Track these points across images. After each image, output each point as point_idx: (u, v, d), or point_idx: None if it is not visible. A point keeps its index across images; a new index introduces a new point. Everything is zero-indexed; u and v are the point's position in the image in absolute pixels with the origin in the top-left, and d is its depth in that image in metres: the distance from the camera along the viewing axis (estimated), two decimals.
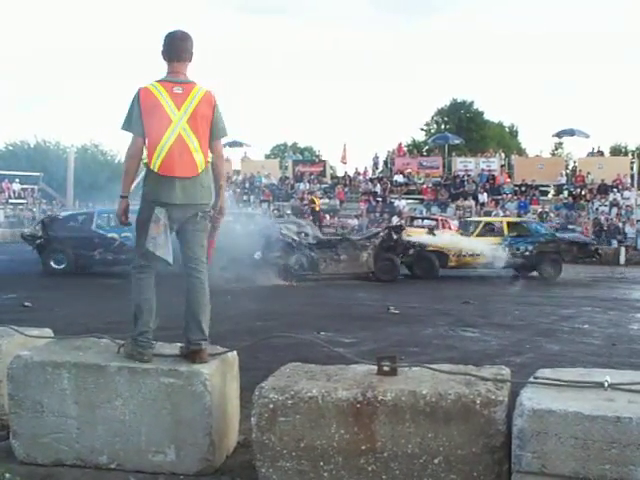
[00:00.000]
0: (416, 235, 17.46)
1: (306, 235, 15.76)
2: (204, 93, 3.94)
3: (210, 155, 4.00)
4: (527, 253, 17.24)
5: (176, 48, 3.95)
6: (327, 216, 29.83)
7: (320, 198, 31.14)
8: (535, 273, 17.45)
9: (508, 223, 18.47)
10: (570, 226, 27.14)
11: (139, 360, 3.69)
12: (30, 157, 45.27)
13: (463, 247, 17.01)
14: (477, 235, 17.58)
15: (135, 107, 3.86)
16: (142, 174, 4.04)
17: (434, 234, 17.64)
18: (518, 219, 22.06)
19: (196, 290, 3.93)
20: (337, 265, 15.68)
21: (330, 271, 15.65)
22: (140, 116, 3.85)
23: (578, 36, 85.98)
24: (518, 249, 17.21)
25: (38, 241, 16.28)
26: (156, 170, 3.85)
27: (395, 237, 16.30)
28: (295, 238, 15.40)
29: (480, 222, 18.72)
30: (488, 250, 16.85)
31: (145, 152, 3.91)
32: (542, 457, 2.75)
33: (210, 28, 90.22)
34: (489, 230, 18.10)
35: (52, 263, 16.07)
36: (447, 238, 17.46)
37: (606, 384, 2.96)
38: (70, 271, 15.65)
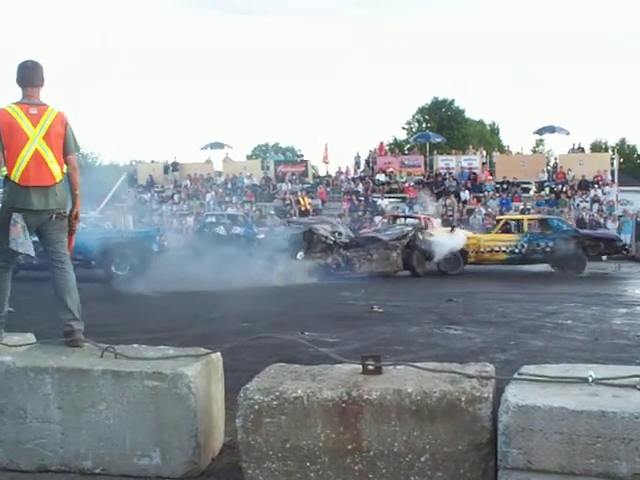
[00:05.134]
0: (438, 234, 18.14)
1: (340, 234, 16.19)
2: (57, 114, 4.45)
3: (66, 167, 4.49)
4: (547, 249, 17.80)
5: (28, 76, 4.45)
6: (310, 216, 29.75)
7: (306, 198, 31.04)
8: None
9: (529, 220, 19.29)
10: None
11: None
12: None
13: (482, 245, 18.09)
14: (496, 232, 18.51)
15: None
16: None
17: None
18: (539, 216, 22.23)
19: (60, 278, 4.41)
20: (370, 264, 16.53)
21: (364, 270, 16.41)
22: None
23: (556, 33, 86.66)
24: (538, 245, 17.87)
25: None
26: (16, 181, 4.31)
27: (420, 237, 17.54)
28: (332, 238, 15.83)
29: (500, 220, 19.49)
30: (506, 247, 17.98)
31: (4, 165, 4.35)
32: (528, 453, 2.76)
33: (192, 29, 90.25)
34: (508, 228, 18.84)
35: None
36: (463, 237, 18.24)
37: (590, 379, 2.97)
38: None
